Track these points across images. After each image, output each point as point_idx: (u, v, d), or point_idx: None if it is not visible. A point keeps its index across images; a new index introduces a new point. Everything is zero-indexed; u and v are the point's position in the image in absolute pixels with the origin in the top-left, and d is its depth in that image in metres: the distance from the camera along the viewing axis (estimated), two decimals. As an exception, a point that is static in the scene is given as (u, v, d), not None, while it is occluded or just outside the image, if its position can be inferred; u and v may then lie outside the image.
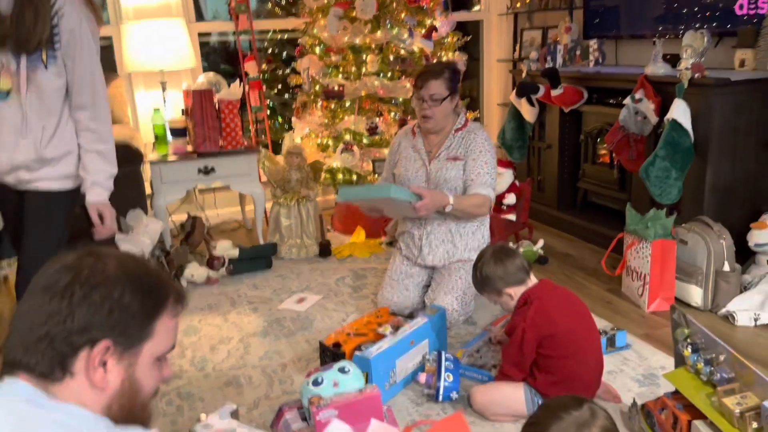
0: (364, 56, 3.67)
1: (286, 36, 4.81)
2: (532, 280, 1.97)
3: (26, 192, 1.97)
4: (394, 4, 3.64)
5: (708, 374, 1.55)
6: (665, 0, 3.40)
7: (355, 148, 3.66)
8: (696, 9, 3.22)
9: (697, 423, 1.50)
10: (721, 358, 1.53)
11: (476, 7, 4.89)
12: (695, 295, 2.63)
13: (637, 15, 3.62)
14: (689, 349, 1.65)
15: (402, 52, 3.66)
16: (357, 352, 2.02)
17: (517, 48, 4.58)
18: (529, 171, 4.10)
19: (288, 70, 4.83)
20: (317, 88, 3.82)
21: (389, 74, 3.68)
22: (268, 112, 4.39)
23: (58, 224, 1.98)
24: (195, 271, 3.15)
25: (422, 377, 2.05)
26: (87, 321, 0.88)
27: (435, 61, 3.67)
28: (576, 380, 1.86)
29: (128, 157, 3.25)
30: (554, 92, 3.56)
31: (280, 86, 5.03)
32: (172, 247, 3.38)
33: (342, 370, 1.85)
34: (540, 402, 1.87)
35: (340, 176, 3.74)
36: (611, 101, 3.37)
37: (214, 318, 2.77)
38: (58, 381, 0.88)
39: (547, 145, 3.91)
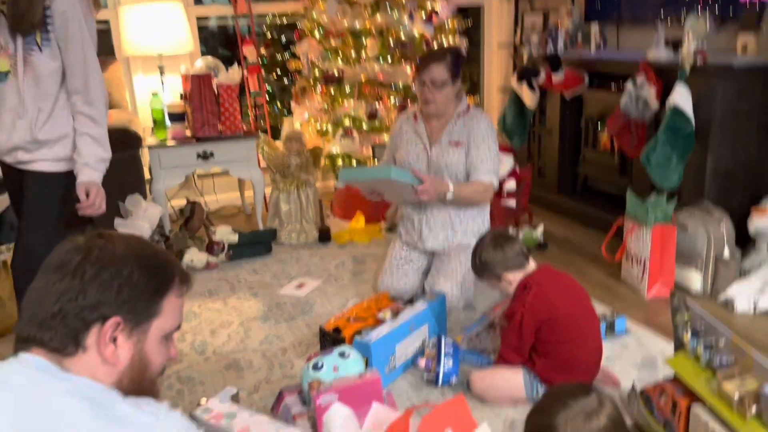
0: (364, 40, 3.65)
1: (285, 20, 4.77)
2: (531, 265, 1.97)
3: (25, 172, 2.01)
4: (394, -12, 3.62)
5: (707, 359, 1.54)
6: (668, -16, 3.38)
7: (355, 133, 3.65)
8: (699, -7, 3.20)
9: (697, 408, 1.49)
10: (721, 342, 1.53)
11: (477, -9, 4.85)
12: (695, 280, 2.63)
13: (637, 1, 3.59)
14: (689, 334, 1.65)
15: (402, 36, 3.64)
16: (357, 337, 2.03)
17: (518, 32, 4.54)
18: (530, 156, 4.09)
19: (287, 55, 4.80)
20: (316, 72, 3.80)
21: (389, 59, 3.66)
22: (267, 97, 4.36)
23: (54, 205, 1.99)
24: (194, 256, 3.14)
25: (422, 362, 2.05)
26: (98, 298, 0.92)
27: (435, 45, 3.65)
28: (575, 365, 1.86)
29: (126, 141, 3.24)
30: (555, 77, 3.54)
31: (279, 71, 4.99)
32: (171, 232, 3.38)
33: (342, 355, 1.86)
34: (539, 386, 1.88)
35: (339, 162, 3.73)
36: (612, 86, 3.36)
37: (214, 303, 2.77)
38: (70, 355, 0.92)
39: (547, 130, 3.90)
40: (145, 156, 3.54)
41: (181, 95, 3.58)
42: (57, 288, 0.92)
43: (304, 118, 3.93)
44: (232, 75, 3.47)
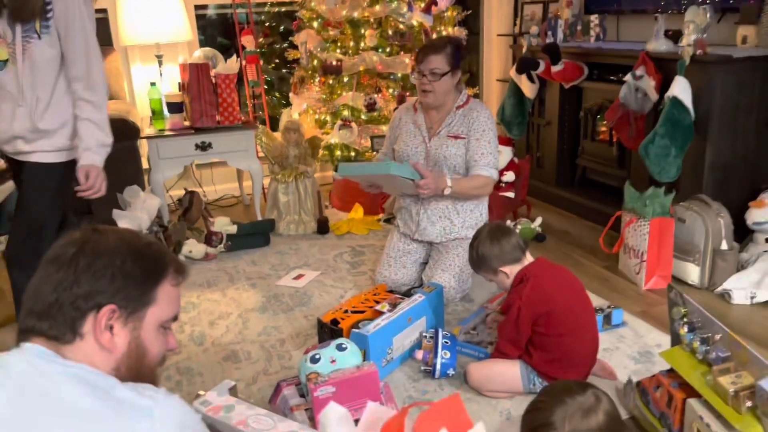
0: (363, 30, 3.63)
1: (283, 9, 4.74)
2: (528, 258, 1.97)
3: (24, 163, 2.01)
4: (394, -23, 3.59)
5: (703, 353, 1.55)
6: (668, -26, 3.36)
7: (354, 124, 3.64)
8: (699, -16, 3.18)
9: (692, 401, 1.50)
10: (717, 337, 1.54)
11: (477, -19, 4.82)
12: (692, 273, 2.64)
13: (639, -10, 3.58)
14: (685, 328, 1.65)
15: (401, 26, 3.62)
16: (354, 329, 2.03)
17: (518, 22, 4.52)
18: (528, 148, 4.08)
19: (285, 45, 4.77)
20: (315, 62, 3.78)
21: (388, 49, 3.64)
22: (266, 87, 4.35)
23: (52, 196, 1.99)
24: (193, 247, 3.15)
25: (419, 354, 2.06)
26: (92, 287, 0.96)
27: (434, 35, 3.63)
28: (572, 358, 1.87)
29: (124, 132, 3.23)
30: (554, 68, 3.53)
31: (277, 61, 4.97)
32: (169, 223, 3.38)
33: (339, 347, 1.86)
34: (536, 379, 1.89)
35: (338, 152, 3.72)
36: (612, 78, 3.35)
37: (212, 294, 2.78)
38: (69, 343, 0.95)
39: (546, 121, 3.89)
40: (144, 146, 3.54)
41: (179, 85, 3.57)
42: (53, 279, 0.96)
43: (302, 109, 3.92)
44: (230, 65, 3.45)
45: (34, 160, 1.98)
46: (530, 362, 1.89)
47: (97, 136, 1.96)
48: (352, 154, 3.68)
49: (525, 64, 3.69)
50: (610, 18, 3.84)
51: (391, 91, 3.71)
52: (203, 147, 3.41)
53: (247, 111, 4.00)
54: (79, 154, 1.96)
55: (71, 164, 2.00)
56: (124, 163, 3.27)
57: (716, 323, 1.55)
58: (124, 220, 2.84)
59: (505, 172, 3.31)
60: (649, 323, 2.35)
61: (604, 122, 3.42)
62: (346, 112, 3.68)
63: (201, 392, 1.55)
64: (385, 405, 1.66)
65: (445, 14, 3.78)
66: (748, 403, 1.37)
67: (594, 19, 3.82)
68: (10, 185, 2.20)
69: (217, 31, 4.82)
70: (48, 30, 1.85)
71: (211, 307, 2.64)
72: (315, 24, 3.76)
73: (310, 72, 3.86)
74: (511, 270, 1.94)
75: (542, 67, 3.61)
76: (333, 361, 1.81)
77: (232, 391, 1.69)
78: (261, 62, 4.15)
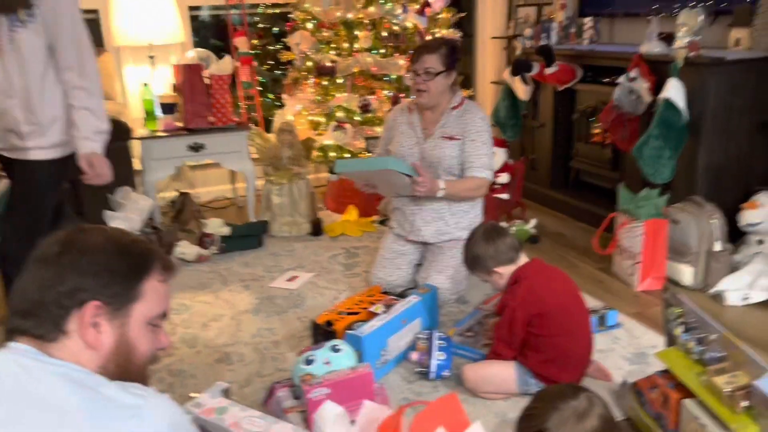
0: (357, 32, 3.63)
1: (277, 10, 4.74)
2: (523, 259, 1.97)
3: (17, 161, 2.00)
4: (388, -21, 3.60)
5: (699, 353, 1.55)
6: (661, -23, 3.37)
7: (348, 125, 3.64)
8: (692, -13, 3.20)
9: (688, 402, 1.50)
10: (712, 337, 1.54)
11: (470, -17, 4.83)
12: (686, 274, 2.65)
13: (632, -8, 3.60)
14: (680, 329, 1.66)
15: (395, 28, 3.62)
16: (349, 331, 2.02)
17: (512, 25, 4.54)
18: (522, 150, 4.09)
19: (279, 46, 4.77)
20: (309, 64, 3.78)
21: (382, 51, 3.65)
22: (259, 88, 4.34)
23: (46, 193, 1.98)
24: (186, 248, 3.13)
25: (414, 356, 2.05)
26: (76, 284, 0.95)
27: (429, 37, 3.64)
28: (566, 359, 1.87)
29: (116, 132, 3.17)
30: (548, 70, 3.54)
31: (271, 62, 4.96)
32: (162, 224, 3.36)
33: (334, 349, 1.86)
34: (531, 380, 1.89)
35: (332, 154, 3.71)
36: (605, 80, 3.35)
37: (205, 296, 2.76)
38: (54, 341, 0.94)
39: (540, 123, 3.90)
40: (136, 147, 3.52)
41: (172, 86, 3.55)
42: (37, 278, 0.96)
43: (296, 110, 3.91)
44: (223, 66, 3.45)
45: (29, 158, 1.97)
46: (525, 363, 1.89)
47: (94, 124, 1.96)
48: (347, 155, 3.67)
49: (519, 67, 3.70)
50: (604, 20, 3.85)
51: (385, 92, 3.72)
52: (196, 148, 3.40)
53: (240, 112, 3.99)
54: (77, 143, 1.96)
55: (66, 159, 1.99)
56: (116, 164, 3.21)
57: (711, 324, 1.56)
58: (115, 222, 2.83)
59: (499, 174, 3.31)
60: (643, 324, 2.35)
61: (598, 124, 3.43)
62: (340, 114, 3.68)
63: (193, 394, 1.54)
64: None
65: (440, 16, 3.79)
66: (744, 403, 1.38)
67: (588, 21, 3.83)
68: (3, 184, 2.18)
69: (211, 33, 4.81)
70: (33, 19, 1.84)
71: (203, 309, 2.62)
72: (309, 25, 3.76)
73: (304, 73, 3.85)
74: (506, 271, 1.94)
75: (536, 69, 3.62)
76: (327, 362, 1.81)
77: (226, 393, 1.68)
78: (255, 63, 4.15)
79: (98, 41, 3.87)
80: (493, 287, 2.06)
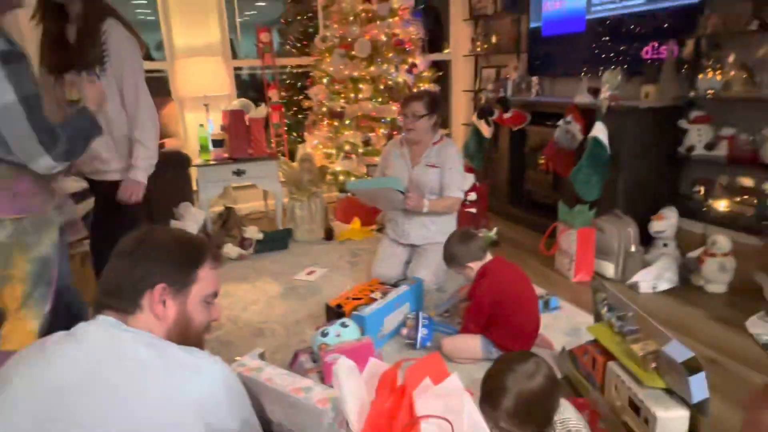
0: (361, 85, 3.66)
1: (300, 70, 4.78)
2: (488, 257, 1.99)
3: (98, 183, 1.95)
4: (384, 46, 3.63)
5: (619, 327, 1.57)
6: (588, 47, 3.42)
7: (353, 156, 3.66)
8: (612, 54, 3.25)
9: (611, 364, 1.52)
10: (629, 315, 1.56)
11: (446, 50, 4.89)
12: (609, 269, 2.66)
13: (567, 58, 3.64)
14: (605, 309, 1.68)
15: (390, 82, 3.65)
16: (354, 312, 2.03)
17: (477, 81, 4.59)
18: (486, 175, 4.10)
19: (301, 96, 4.81)
20: (324, 109, 3.81)
21: (380, 99, 3.67)
22: (286, 128, 4.36)
23: (121, 206, 1.94)
24: (230, 249, 3.14)
25: (404, 331, 2.06)
26: (148, 271, 0.96)
27: (415, 89, 3.67)
28: (520, 333, 1.88)
29: (179, 161, 3.24)
30: (505, 115, 3.58)
31: (295, 108, 5.00)
32: (212, 231, 3.36)
33: (343, 325, 1.87)
34: (493, 349, 1.89)
35: (341, 178, 3.73)
36: (548, 123, 3.38)
37: (244, 285, 2.76)
38: (131, 314, 0.95)
39: (499, 155, 3.92)
40: (194, 173, 3.53)
41: (221, 126, 3.57)
42: (118, 266, 0.96)
43: (314, 144, 3.93)
44: (259, 111, 3.47)
45: (110, 179, 1.93)
46: (488, 336, 1.90)
47: (144, 155, 1.89)
48: (352, 178, 3.69)
49: (483, 112, 3.73)
50: (547, 79, 3.90)
51: (382, 131, 3.74)
52: (238, 173, 3.41)
53: (272, 146, 4.01)
54: (129, 171, 1.90)
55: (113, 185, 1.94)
56: (179, 185, 3.27)
57: (629, 305, 1.57)
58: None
59: (469, 193, 3.33)
60: (577, 307, 2.36)
61: (543, 156, 3.45)
62: (347, 147, 3.70)
63: (237, 358, 1.54)
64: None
65: (424, 74, 3.83)
66: (653, 365, 1.39)
67: (534, 79, 3.88)
68: (91, 201, 2.17)
69: (250, 87, 4.85)
70: (105, 72, 1.78)
71: (243, 296, 2.63)
72: (324, 81, 3.79)
73: (320, 117, 3.88)
74: (475, 266, 1.95)
75: (496, 114, 3.65)
76: (338, 335, 1.82)
77: (261, 357, 1.68)
78: (283, 110, 4.17)
79: (167, 93, 3.90)
80: (465, 278, 2.07)
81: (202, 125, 3.52)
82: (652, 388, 1.36)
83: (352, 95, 3.70)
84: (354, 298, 2.24)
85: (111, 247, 1.00)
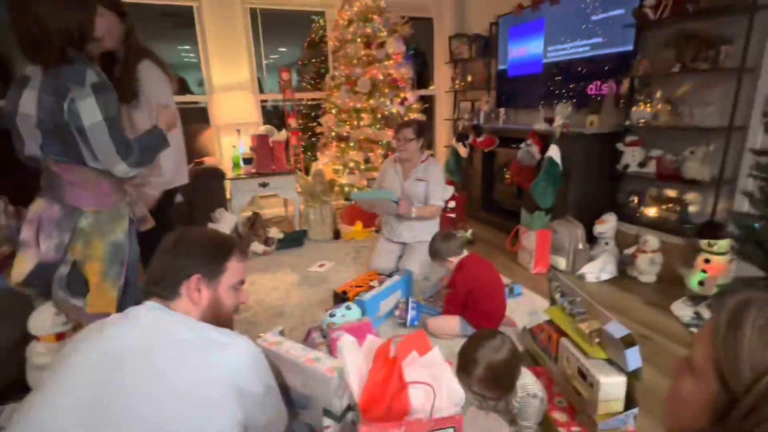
0: (362, 114, 3.67)
1: (314, 102, 4.78)
2: (465, 253, 1.99)
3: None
4: (381, 84, 3.64)
5: (569, 310, 1.58)
6: (545, 85, 3.44)
7: (356, 171, 3.66)
8: (564, 90, 3.27)
9: (563, 339, 1.52)
10: (578, 300, 1.56)
11: (431, 87, 4.90)
12: (562, 263, 2.66)
13: (528, 94, 3.66)
14: (558, 295, 1.68)
15: (386, 112, 3.66)
16: (357, 297, 2.02)
17: (456, 112, 4.60)
18: (463, 187, 4.11)
19: (315, 123, 4.80)
20: (333, 134, 3.81)
21: (378, 126, 3.68)
22: (302, 149, 4.36)
23: (160, 211, 1.90)
24: (256, 247, 3.12)
25: (397, 313, 2.06)
26: (184, 263, 0.95)
27: (406, 118, 3.68)
28: (490, 314, 1.88)
29: (216, 175, 3.22)
30: (478, 139, 3.59)
31: (310, 133, 5.00)
32: (242, 232, 3.35)
33: (347, 308, 1.86)
34: (468, 327, 1.89)
35: (347, 189, 3.73)
36: (513, 145, 3.40)
37: (267, 275, 2.75)
38: (172, 300, 0.95)
39: (474, 171, 3.93)
40: (227, 184, 3.52)
41: (250, 148, 3.57)
42: (161, 260, 0.95)
43: (324, 162, 3.93)
44: (281, 135, 3.47)
45: (148, 192, 1.85)
46: (465, 317, 1.90)
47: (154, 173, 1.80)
48: (355, 190, 3.69)
49: (460, 137, 3.74)
50: (511, 110, 3.91)
51: (380, 151, 3.74)
52: (264, 185, 3.40)
53: (290, 163, 4.01)
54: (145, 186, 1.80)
55: (171, 191, 1.91)
56: (216, 194, 3.25)
57: (577, 291, 1.58)
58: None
59: (449, 202, 3.33)
60: (536, 294, 2.36)
61: (509, 172, 3.46)
62: (352, 164, 3.70)
63: (261, 334, 1.53)
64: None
65: (413, 106, 3.83)
66: (597, 340, 1.39)
67: (502, 110, 3.89)
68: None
69: (273, 116, 4.85)
70: (139, 102, 1.73)
71: (267, 284, 2.61)
72: (333, 111, 3.80)
73: (330, 140, 3.88)
74: (455, 260, 1.95)
75: (471, 138, 3.66)
76: (343, 316, 1.81)
77: (281, 334, 1.67)
78: (299, 134, 4.17)
79: (206, 120, 3.89)
80: (446, 270, 2.07)
81: (234, 146, 3.52)
82: (596, 359, 1.36)
83: (356, 122, 3.70)
84: (356, 286, 2.23)
85: (155, 245, 0.99)
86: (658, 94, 2.67)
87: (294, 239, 3.31)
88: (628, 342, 1.25)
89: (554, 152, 2.73)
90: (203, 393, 0.83)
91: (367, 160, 3.68)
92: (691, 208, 2.62)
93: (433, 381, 1.00)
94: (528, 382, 1.26)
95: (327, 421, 1.18)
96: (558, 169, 2.74)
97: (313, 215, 3.46)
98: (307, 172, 4.17)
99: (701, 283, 2.08)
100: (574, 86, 3.17)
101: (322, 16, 4.59)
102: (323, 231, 3.48)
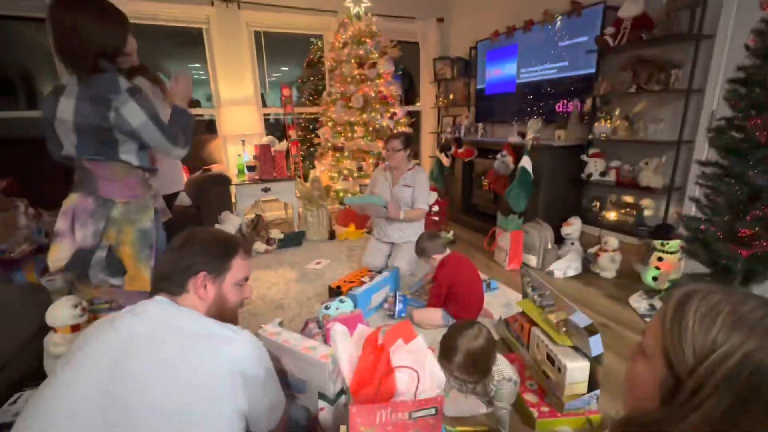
0: (356, 127, 3.67)
1: (312, 116, 4.77)
2: (447, 251, 1.99)
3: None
4: (373, 100, 3.64)
5: (539, 302, 1.58)
6: (518, 102, 3.48)
7: (350, 178, 3.65)
8: (535, 107, 3.31)
9: (534, 329, 1.53)
10: (547, 293, 1.57)
11: (418, 103, 4.92)
12: (533, 260, 2.67)
13: (503, 110, 3.70)
14: (530, 289, 1.69)
15: (377, 125, 3.66)
16: (350, 291, 2.01)
17: (440, 126, 4.62)
18: (446, 193, 4.12)
19: (313, 135, 4.79)
20: (329, 144, 3.80)
21: (369, 138, 3.68)
22: (301, 158, 4.34)
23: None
24: (259, 246, 3.09)
25: (386, 305, 2.05)
26: (191, 261, 0.93)
27: (395, 131, 3.69)
28: (469, 307, 1.88)
29: (222, 181, 3.18)
30: (459, 150, 3.60)
31: (308, 143, 4.98)
32: (246, 232, 3.31)
33: (341, 301, 1.84)
34: (450, 318, 1.89)
35: (341, 194, 3.71)
36: (490, 156, 3.42)
37: (269, 272, 2.72)
38: (179, 296, 0.92)
39: (455, 179, 3.94)
40: (233, 189, 3.48)
41: (254, 156, 3.54)
42: (170, 258, 0.93)
43: (321, 170, 3.91)
44: (282, 146, 3.44)
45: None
46: (447, 309, 1.90)
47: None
48: (349, 195, 3.68)
49: (443, 147, 3.76)
50: (488, 124, 3.95)
51: (371, 161, 3.74)
52: (266, 190, 3.37)
53: (291, 171, 3.98)
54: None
55: (170, 197, 1.87)
56: (222, 198, 3.21)
57: (546, 286, 1.58)
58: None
59: (433, 206, 3.34)
60: (510, 288, 2.37)
61: (486, 180, 3.48)
62: (346, 172, 3.69)
63: (262, 325, 1.51)
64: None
65: (401, 120, 3.84)
66: (564, 329, 1.40)
67: (480, 125, 3.92)
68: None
69: (275, 128, 4.82)
70: None
71: (269, 279, 2.58)
72: (329, 124, 3.79)
73: (326, 150, 3.86)
74: (438, 257, 1.95)
75: (453, 149, 3.68)
76: (337, 308, 1.79)
77: (280, 325, 1.65)
78: (299, 144, 4.15)
79: (214, 131, 3.85)
80: (430, 267, 2.07)
81: (239, 155, 3.49)
82: (563, 346, 1.36)
83: (350, 134, 3.69)
84: (349, 282, 2.22)
85: (167, 243, 0.98)
86: (617, 112, 2.72)
87: (293, 239, 3.28)
88: (591, 331, 1.26)
89: (526, 162, 2.76)
90: (213, 383, 0.81)
91: (359, 168, 3.68)
92: (646, 213, 2.67)
93: (418, 366, 1.00)
94: (503, 367, 1.26)
95: (322, 403, 1.17)
96: (530, 177, 2.76)
97: (310, 217, 3.43)
98: (305, 178, 4.14)
99: (655, 278, 2.11)
100: (543, 104, 3.21)
101: (320, 39, 4.59)
102: (320, 232, 3.46)
